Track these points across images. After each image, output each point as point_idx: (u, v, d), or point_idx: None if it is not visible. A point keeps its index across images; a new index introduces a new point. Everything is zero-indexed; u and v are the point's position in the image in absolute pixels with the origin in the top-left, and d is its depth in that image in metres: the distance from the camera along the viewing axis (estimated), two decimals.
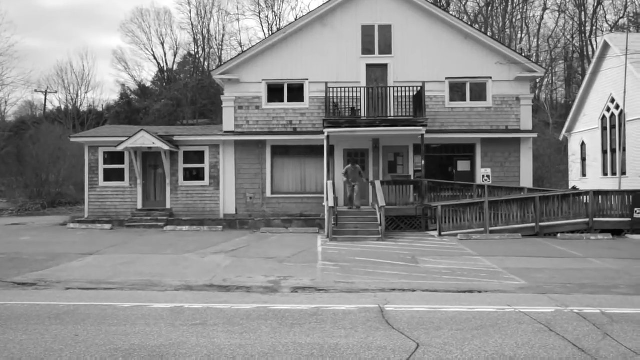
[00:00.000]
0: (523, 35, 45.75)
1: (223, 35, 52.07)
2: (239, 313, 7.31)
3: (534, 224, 16.85)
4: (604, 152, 24.92)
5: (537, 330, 6.40)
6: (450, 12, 40.15)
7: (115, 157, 20.46)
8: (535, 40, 45.85)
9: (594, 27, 43.66)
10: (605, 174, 24.74)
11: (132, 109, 46.08)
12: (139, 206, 20.33)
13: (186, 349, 5.67)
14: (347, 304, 7.83)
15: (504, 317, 7.02)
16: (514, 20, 44.99)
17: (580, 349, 5.66)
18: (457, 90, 20.44)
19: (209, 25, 51.13)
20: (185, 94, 45.77)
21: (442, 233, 16.63)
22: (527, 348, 5.69)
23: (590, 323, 6.71)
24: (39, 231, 18.52)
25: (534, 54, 43.74)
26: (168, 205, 20.31)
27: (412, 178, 19.49)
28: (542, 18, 45.49)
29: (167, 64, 52.78)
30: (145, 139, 19.16)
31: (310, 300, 8.23)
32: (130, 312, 7.32)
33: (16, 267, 11.30)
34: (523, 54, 31.16)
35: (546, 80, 44.90)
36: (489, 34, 40.26)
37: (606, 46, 24.26)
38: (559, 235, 16.61)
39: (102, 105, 51.12)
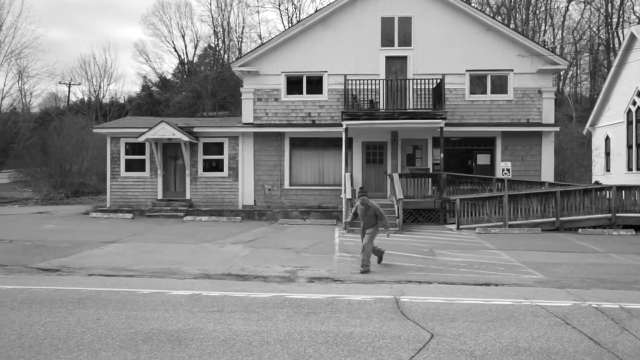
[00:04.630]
0: (547, 27, 44.92)
1: (243, 28, 52.35)
2: (255, 301, 7.41)
3: (554, 219, 16.64)
4: (629, 147, 24.40)
5: (554, 323, 6.37)
6: (472, 4, 39.61)
7: (136, 148, 20.79)
8: (560, 32, 45.00)
9: (621, 19, 42.59)
10: (630, 169, 24.24)
11: (153, 100, 46.66)
12: (159, 196, 20.63)
13: (204, 334, 5.79)
14: (362, 295, 7.88)
15: (520, 310, 6.99)
16: (537, 12, 44.19)
17: (597, 343, 5.62)
18: (477, 82, 20.21)
19: (229, 17, 51.51)
20: (206, 86, 46.13)
21: (461, 226, 16.54)
22: (542, 340, 5.67)
23: (608, 317, 6.64)
24: (62, 219, 18.95)
25: (558, 46, 42.92)
26: (187, 196, 20.58)
27: (431, 171, 19.39)
28: (567, 10, 44.60)
29: (187, 56, 53.27)
30: (165, 130, 19.41)
31: (326, 290, 8.30)
32: (150, 299, 7.49)
33: (41, 254, 11.61)
34: (546, 46, 30.66)
35: (570, 73, 44.07)
36: (511, 26, 39.64)
37: (633, 38, 23.71)
38: (579, 230, 16.37)
39: (124, 97, 51.93)
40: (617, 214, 16.69)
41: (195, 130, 20.40)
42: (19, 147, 36.95)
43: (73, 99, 51.09)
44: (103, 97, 50.34)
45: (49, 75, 63.33)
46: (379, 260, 10.66)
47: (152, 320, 6.31)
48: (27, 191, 30.53)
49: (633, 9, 43.54)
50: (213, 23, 51.84)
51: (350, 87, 18.94)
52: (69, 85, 49.63)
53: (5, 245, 12.87)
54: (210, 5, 59.52)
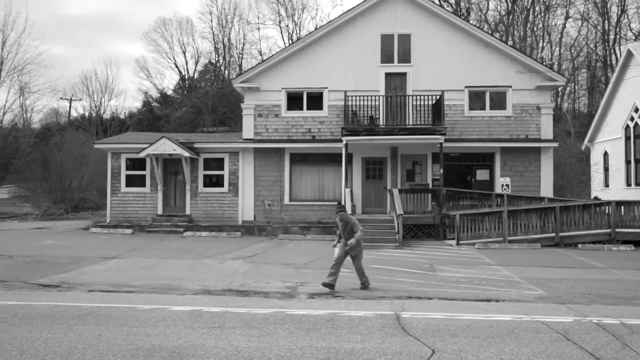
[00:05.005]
0: (545, 44, 45.38)
1: (243, 44, 52.79)
2: (256, 317, 7.41)
3: (553, 234, 16.66)
4: (627, 162, 24.49)
5: (555, 339, 6.37)
6: (471, 21, 40.08)
7: (137, 164, 20.87)
8: (557, 48, 45.45)
9: (618, 36, 43.04)
10: (628, 184, 24.30)
11: (154, 116, 46.90)
12: (159, 212, 20.65)
13: (205, 350, 5.79)
14: (363, 310, 7.88)
15: (521, 326, 6.99)
16: (535, 29, 44.65)
17: (598, 359, 5.62)
18: (476, 98, 20.38)
19: (229, 34, 51.88)
20: (206, 102, 46.40)
21: (460, 242, 16.54)
22: (543, 357, 5.68)
23: (609, 333, 6.64)
24: (62, 235, 18.94)
25: (556, 63, 43.29)
26: (187, 211, 20.59)
27: (431, 187, 19.45)
28: (564, 26, 45.10)
29: (188, 72, 53.67)
30: (166, 146, 19.51)
31: (327, 306, 8.30)
32: (151, 314, 7.48)
33: (41, 270, 11.60)
34: (544, 63, 30.96)
35: (568, 89, 44.42)
36: (509, 42, 40.05)
37: (630, 55, 23.94)
38: (579, 245, 16.39)
39: (125, 112, 52.19)
40: (617, 230, 16.72)
41: (195, 145, 20.51)
42: (19, 162, 37.01)
43: (74, 114, 51.39)
44: (104, 112, 50.64)
45: (51, 91, 63.67)
46: (331, 284, 9.49)
47: (153, 337, 6.31)
48: (26, 206, 30.54)
49: (630, 25, 44.05)
50: (214, 39, 52.35)
51: (350, 103, 19.10)
52: (70, 100, 49.93)
53: (5, 261, 12.86)
54: (212, 22, 59.86)
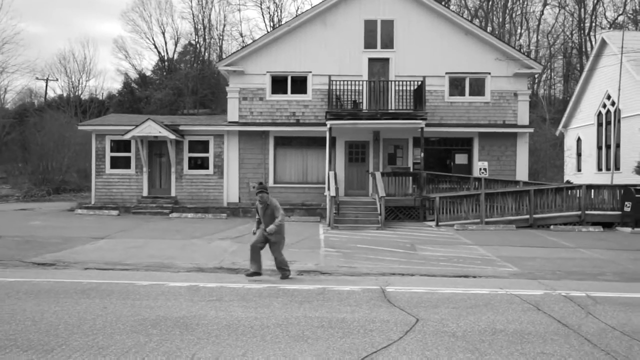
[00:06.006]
0: (522, 30, 46.20)
1: (224, 25, 52.46)
2: (251, 291, 7.87)
3: (528, 216, 17.45)
4: (599, 148, 25.49)
5: (526, 309, 6.99)
6: (451, 7, 40.58)
7: (121, 145, 20.93)
8: (535, 35, 46.34)
9: (593, 24, 44.12)
10: (599, 169, 25.34)
11: (134, 97, 46.41)
12: (145, 193, 20.84)
13: (207, 319, 6.23)
14: (350, 285, 8.41)
15: (496, 298, 7.61)
16: (513, 15, 45.43)
17: (564, 325, 6.25)
18: (456, 85, 20.94)
19: (210, 15, 51.44)
20: (186, 83, 46.07)
21: (440, 223, 17.21)
22: (516, 323, 6.28)
23: (576, 304, 7.30)
24: (48, 216, 19.03)
25: (533, 50, 44.20)
26: (173, 193, 20.83)
27: (411, 170, 20.05)
28: (542, 14, 45.96)
29: (167, 53, 53.00)
30: (152, 128, 19.63)
31: (316, 281, 8.81)
32: (150, 289, 7.88)
33: (33, 249, 11.84)
34: (522, 51, 31.69)
35: (544, 75, 45.40)
36: (488, 29, 40.71)
37: (604, 43, 24.77)
38: (551, 226, 17.22)
39: (103, 93, 51.45)
40: (587, 212, 17.60)
41: (181, 128, 20.66)
42: None
43: (51, 94, 50.47)
44: (82, 93, 49.86)
45: (30, 71, 61.83)
46: (257, 272, 8.87)
47: (156, 309, 6.72)
48: (4, 188, 30.26)
49: (605, 14, 45.12)
50: (194, 20, 51.73)
51: (334, 87, 19.46)
52: (47, 81, 49.01)
53: None
54: (191, 2, 59.44)
